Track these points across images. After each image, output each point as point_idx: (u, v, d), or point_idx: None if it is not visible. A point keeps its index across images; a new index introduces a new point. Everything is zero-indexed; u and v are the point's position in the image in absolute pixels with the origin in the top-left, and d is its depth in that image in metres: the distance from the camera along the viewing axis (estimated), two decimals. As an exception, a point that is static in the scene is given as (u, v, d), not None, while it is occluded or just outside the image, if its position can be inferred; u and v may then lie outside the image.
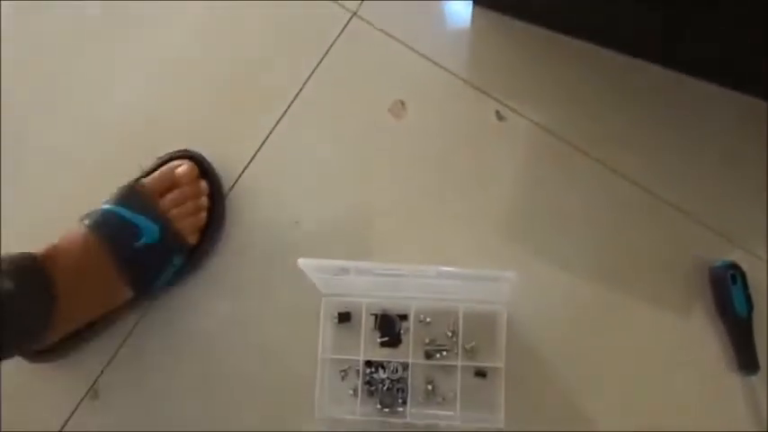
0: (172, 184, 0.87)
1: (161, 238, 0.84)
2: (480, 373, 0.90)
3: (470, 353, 0.90)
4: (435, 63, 0.99)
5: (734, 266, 0.86)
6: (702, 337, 0.88)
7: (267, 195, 0.96)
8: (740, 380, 0.87)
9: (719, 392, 0.87)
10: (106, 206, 0.83)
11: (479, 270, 0.80)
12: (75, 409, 0.90)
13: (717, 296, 0.87)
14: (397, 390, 0.89)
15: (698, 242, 0.91)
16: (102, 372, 0.91)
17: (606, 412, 0.87)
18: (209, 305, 0.93)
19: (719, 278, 0.86)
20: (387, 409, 0.88)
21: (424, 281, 0.83)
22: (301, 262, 0.75)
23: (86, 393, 0.91)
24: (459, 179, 0.96)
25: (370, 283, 0.86)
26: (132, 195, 0.85)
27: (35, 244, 0.78)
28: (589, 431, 0.87)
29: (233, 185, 0.96)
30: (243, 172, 0.97)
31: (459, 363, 0.88)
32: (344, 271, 0.81)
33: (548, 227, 0.93)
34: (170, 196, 0.86)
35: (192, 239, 0.89)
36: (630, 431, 0.86)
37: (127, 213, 0.82)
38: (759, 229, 0.90)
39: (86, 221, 0.82)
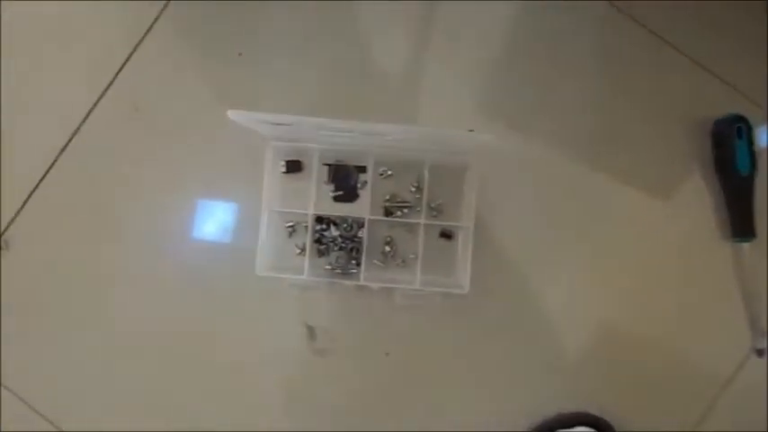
0: None
1: None
2: (446, 235, 0.79)
3: (436, 211, 0.80)
4: None
5: (741, 119, 0.75)
6: (696, 199, 0.79)
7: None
8: (731, 247, 0.78)
9: (706, 260, 0.79)
10: None
11: (449, 130, 0.68)
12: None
13: (718, 152, 0.77)
14: (351, 249, 0.79)
15: (705, 92, 0.79)
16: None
17: (580, 282, 0.79)
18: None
19: (723, 132, 0.76)
20: (338, 271, 0.78)
21: (382, 140, 0.71)
22: (231, 114, 0.62)
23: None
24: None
25: (323, 136, 0.74)
26: None
27: None
28: (553, 305, 0.79)
29: None
30: None
31: (423, 221, 0.77)
32: (284, 126, 0.68)
33: (546, 73, 0.81)
34: None
35: None
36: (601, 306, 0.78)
37: None
38: (773, 84, 0.79)
39: None
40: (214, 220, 0.80)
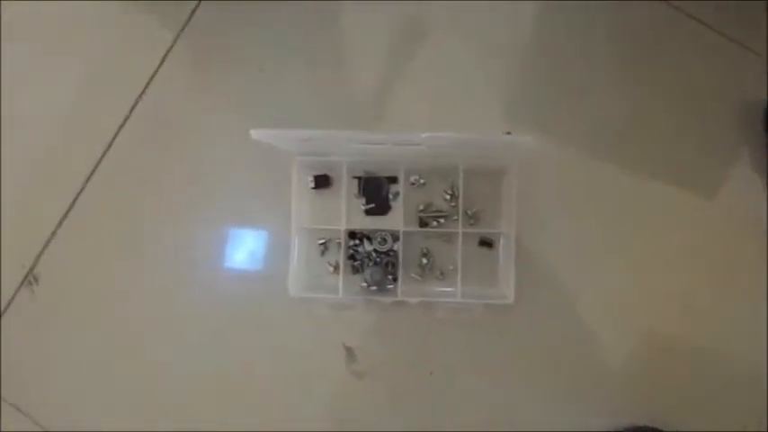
0: None
1: None
2: (485, 243, 0.75)
3: (473, 219, 0.76)
4: None
5: (795, 101, 0.71)
6: (746, 190, 0.74)
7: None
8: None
9: (760, 256, 0.74)
10: None
11: (486, 135, 0.65)
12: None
13: (771, 138, 0.72)
14: (387, 264, 0.75)
15: (754, 74, 0.75)
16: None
17: (626, 287, 0.74)
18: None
19: (777, 114, 0.71)
20: (374, 288, 0.75)
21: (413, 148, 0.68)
22: (254, 133, 0.59)
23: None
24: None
25: (351, 147, 0.71)
26: None
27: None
28: (600, 311, 0.74)
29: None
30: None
31: (461, 230, 0.73)
32: (310, 141, 0.66)
33: (579, 68, 0.77)
34: None
35: None
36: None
37: None
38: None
39: None
40: (243, 247, 0.78)
